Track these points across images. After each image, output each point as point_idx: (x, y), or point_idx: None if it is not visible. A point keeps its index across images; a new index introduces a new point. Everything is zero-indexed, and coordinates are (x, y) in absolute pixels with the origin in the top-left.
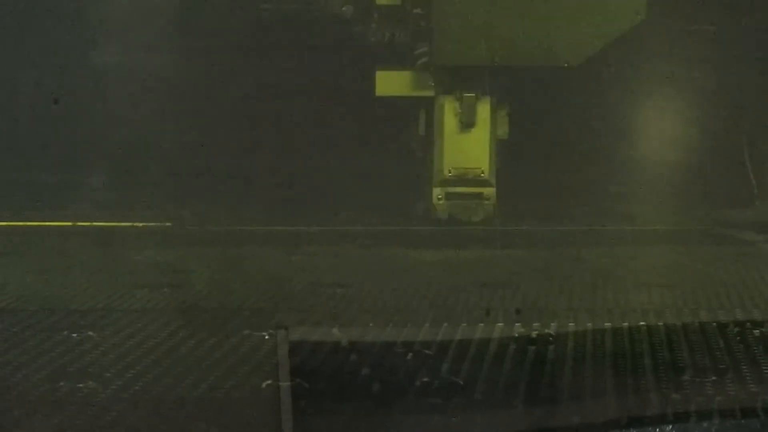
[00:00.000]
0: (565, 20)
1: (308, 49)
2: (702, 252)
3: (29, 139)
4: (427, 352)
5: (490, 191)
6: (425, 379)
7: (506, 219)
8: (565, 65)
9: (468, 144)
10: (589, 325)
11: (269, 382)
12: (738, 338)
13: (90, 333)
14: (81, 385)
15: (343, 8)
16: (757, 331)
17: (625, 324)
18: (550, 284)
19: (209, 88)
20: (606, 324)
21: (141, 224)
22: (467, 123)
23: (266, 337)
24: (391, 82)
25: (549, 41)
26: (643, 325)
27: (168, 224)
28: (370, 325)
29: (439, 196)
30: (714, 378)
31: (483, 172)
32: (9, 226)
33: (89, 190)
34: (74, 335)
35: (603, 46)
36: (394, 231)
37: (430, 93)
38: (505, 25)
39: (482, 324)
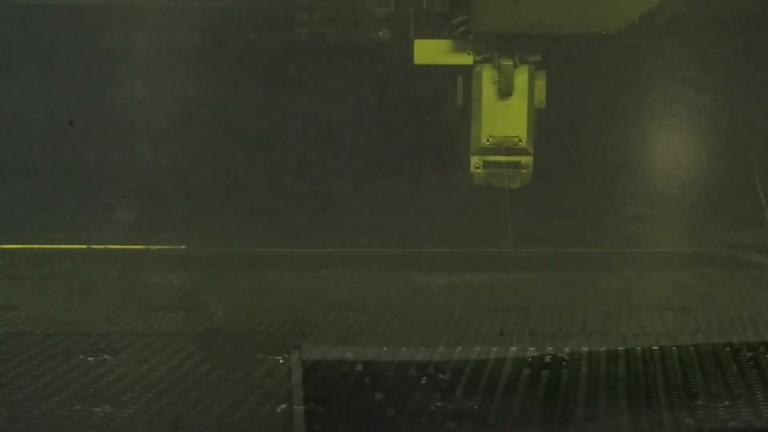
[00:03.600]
0: None
1: (341, 75)
2: (713, 275)
3: (47, 163)
4: (441, 375)
5: (527, 159)
6: (439, 404)
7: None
8: (604, 32)
9: (506, 112)
10: (603, 348)
11: (284, 406)
12: (751, 362)
13: (106, 356)
14: (97, 409)
15: (380, 33)
16: None
17: (638, 348)
18: (562, 307)
19: (232, 114)
20: (619, 348)
21: (156, 247)
22: (505, 91)
23: (281, 360)
24: (429, 51)
25: (587, 8)
26: (656, 349)
27: (182, 247)
28: (384, 349)
29: (477, 165)
30: (727, 402)
31: (521, 141)
32: (24, 248)
33: (105, 213)
34: (90, 359)
35: (642, 12)
36: (407, 254)
37: (468, 61)
38: None
39: (496, 348)
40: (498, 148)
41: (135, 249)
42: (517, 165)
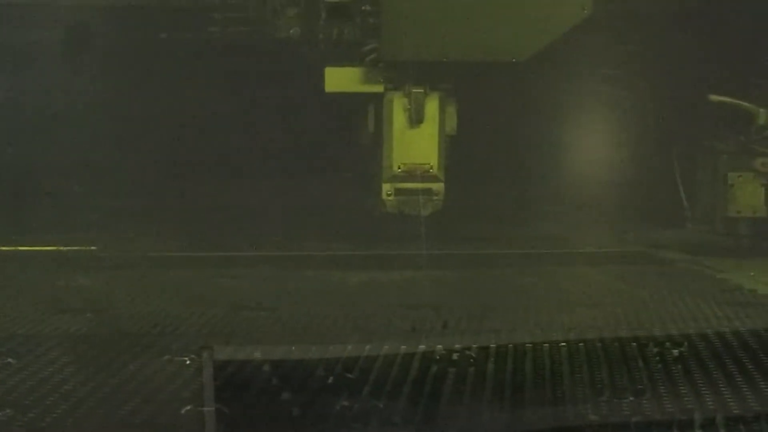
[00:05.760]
0: (513, 15)
1: (253, 72)
2: (626, 272)
3: None
4: (348, 375)
5: (439, 186)
6: (345, 403)
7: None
8: (513, 60)
9: (417, 140)
10: (510, 345)
11: (189, 407)
12: (657, 357)
13: (9, 360)
14: None
15: (291, 31)
16: (676, 351)
17: (546, 344)
18: (475, 305)
19: (147, 112)
20: (527, 344)
21: (65, 248)
22: (416, 119)
23: (187, 362)
24: (340, 78)
25: (496, 37)
26: (563, 344)
27: (93, 248)
28: (293, 348)
29: (389, 192)
30: (631, 398)
31: (432, 168)
32: None
33: (11, 213)
34: None
35: (550, 41)
36: (320, 255)
37: (379, 89)
38: (453, 21)
39: (404, 346)
40: (409, 176)
41: (45, 250)
42: (428, 192)
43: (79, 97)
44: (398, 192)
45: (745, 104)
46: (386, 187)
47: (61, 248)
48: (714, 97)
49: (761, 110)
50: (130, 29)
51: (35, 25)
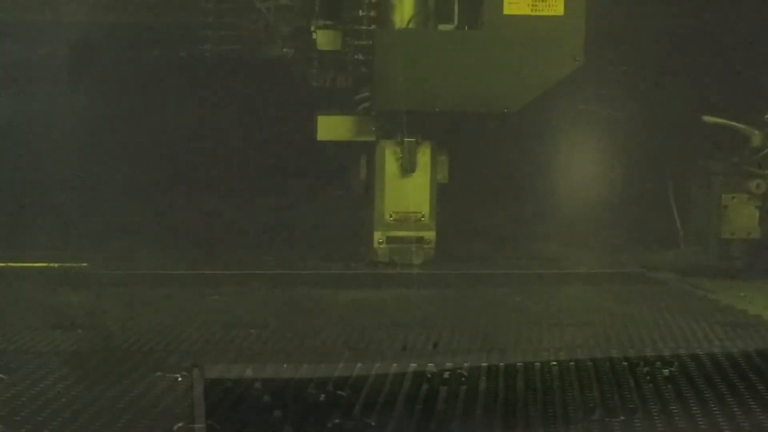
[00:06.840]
0: (505, 66)
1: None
2: (617, 291)
3: None
4: (339, 392)
5: (430, 235)
6: (336, 421)
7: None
8: (505, 110)
9: (409, 188)
10: (502, 365)
11: (180, 424)
12: (647, 377)
13: (0, 375)
14: None
15: (284, 50)
16: (667, 371)
17: (537, 363)
18: (466, 324)
19: (141, 128)
20: (518, 363)
21: (56, 265)
22: (408, 167)
23: (179, 378)
24: (332, 127)
25: (488, 87)
26: (554, 363)
27: (84, 265)
28: (284, 366)
29: (380, 240)
30: (623, 418)
31: (423, 216)
32: None
33: (3, 229)
34: None
35: (542, 91)
36: (311, 274)
37: (371, 138)
38: (445, 72)
39: (395, 364)
40: (401, 224)
41: (36, 267)
42: (420, 240)
43: (72, 114)
44: (390, 240)
45: (739, 125)
46: (377, 235)
47: (53, 265)
48: (708, 119)
49: (755, 132)
50: (126, 47)
51: (29, 42)
